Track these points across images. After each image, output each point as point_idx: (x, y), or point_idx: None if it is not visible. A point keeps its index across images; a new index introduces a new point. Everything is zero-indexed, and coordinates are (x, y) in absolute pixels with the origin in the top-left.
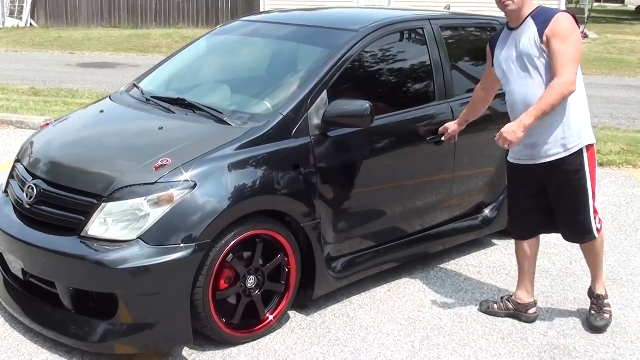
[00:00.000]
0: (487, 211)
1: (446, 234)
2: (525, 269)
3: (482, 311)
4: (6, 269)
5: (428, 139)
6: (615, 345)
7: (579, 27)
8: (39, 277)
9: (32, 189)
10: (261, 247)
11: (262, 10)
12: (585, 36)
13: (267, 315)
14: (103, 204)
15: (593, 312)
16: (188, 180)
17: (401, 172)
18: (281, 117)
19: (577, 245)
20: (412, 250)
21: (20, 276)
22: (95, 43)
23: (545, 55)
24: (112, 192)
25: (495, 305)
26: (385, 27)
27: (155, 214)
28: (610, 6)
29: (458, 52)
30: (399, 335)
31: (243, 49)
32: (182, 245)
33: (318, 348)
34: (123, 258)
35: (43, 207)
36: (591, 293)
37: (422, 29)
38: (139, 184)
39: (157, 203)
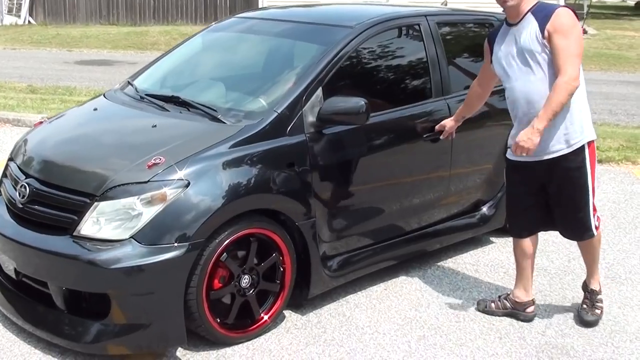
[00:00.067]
0: (484, 209)
1: (443, 232)
2: (523, 267)
3: (479, 310)
4: None
5: (425, 136)
6: (613, 344)
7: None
8: (31, 277)
9: (25, 187)
10: (255, 246)
11: (260, 6)
12: (585, 32)
13: (262, 315)
14: (95, 203)
15: (585, 306)
16: (181, 179)
17: (397, 169)
18: (276, 114)
19: (576, 243)
20: (409, 248)
21: (13, 276)
22: (93, 40)
23: (547, 51)
24: (105, 191)
25: (493, 304)
26: (381, 24)
27: (148, 213)
28: (610, 1)
29: (455, 48)
30: (395, 335)
31: (238, 45)
32: (175, 244)
33: (313, 348)
34: (115, 258)
35: (36, 206)
36: (585, 287)
37: (419, 25)
38: (132, 183)
39: (150, 202)
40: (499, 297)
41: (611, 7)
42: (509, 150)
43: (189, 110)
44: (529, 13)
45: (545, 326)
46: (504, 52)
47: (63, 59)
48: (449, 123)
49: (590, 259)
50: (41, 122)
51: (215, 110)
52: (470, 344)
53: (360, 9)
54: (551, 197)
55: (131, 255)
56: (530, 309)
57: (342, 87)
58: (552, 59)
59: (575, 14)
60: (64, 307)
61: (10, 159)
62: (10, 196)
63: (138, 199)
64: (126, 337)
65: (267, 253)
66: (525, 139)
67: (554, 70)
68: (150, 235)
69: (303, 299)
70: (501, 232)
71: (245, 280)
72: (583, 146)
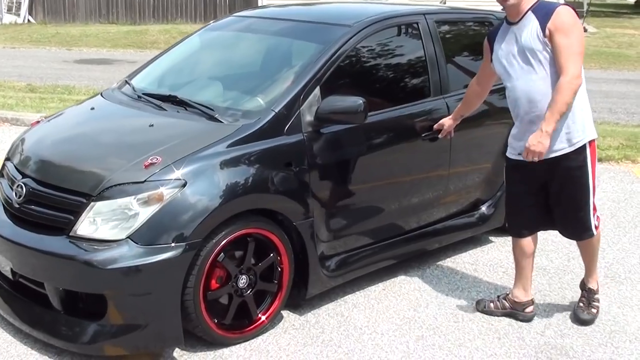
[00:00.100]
0: (483, 208)
1: (442, 232)
2: (523, 266)
3: (478, 310)
4: None
5: (423, 135)
6: (613, 344)
7: None
8: (28, 277)
9: (22, 187)
10: (253, 246)
11: (259, 5)
12: (584, 30)
13: (260, 315)
14: (92, 203)
15: (581, 304)
16: (178, 179)
17: (396, 169)
18: (273, 113)
19: (575, 242)
20: (407, 248)
21: (10, 276)
22: (93, 39)
23: (548, 49)
24: (101, 191)
25: (492, 304)
26: (380, 22)
27: (145, 213)
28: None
29: (454, 47)
30: (394, 335)
31: (235, 44)
32: (172, 244)
33: (311, 348)
34: (112, 258)
35: (32, 206)
36: (583, 286)
37: (417, 23)
38: (129, 183)
39: (146, 202)
40: (498, 297)
41: (611, 5)
42: (509, 149)
43: (186, 109)
44: (530, 11)
45: (544, 326)
46: (504, 51)
47: (62, 57)
48: (447, 122)
49: (589, 259)
50: (38, 122)
51: (212, 110)
52: (469, 344)
53: (359, 7)
54: (551, 196)
55: (128, 256)
56: (529, 309)
57: (340, 86)
58: (554, 57)
59: (575, 12)
60: (60, 308)
61: (7, 159)
62: (7, 196)
63: (135, 198)
64: (123, 338)
65: (265, 253)
66: (536, 143)
67: (556, 69)
68: (147, 236)
69: (301, 299)
70: (500, 231)
71: (243, 281)
72: (584, 145)
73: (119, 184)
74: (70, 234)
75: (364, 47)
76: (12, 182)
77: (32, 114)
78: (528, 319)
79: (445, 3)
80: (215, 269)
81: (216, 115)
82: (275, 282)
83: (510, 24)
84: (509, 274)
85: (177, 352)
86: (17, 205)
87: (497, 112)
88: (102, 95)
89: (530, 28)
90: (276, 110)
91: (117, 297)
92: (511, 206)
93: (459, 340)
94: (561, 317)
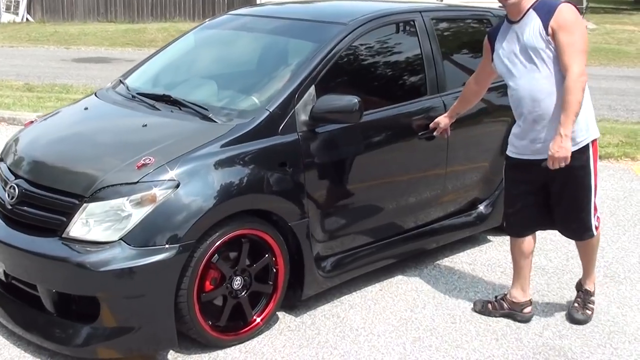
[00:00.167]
0: (481, 207)
1: (440, 231)
2: (521, 266)
3: (475, 311)
4: None
5: (420, 134)
6: (612, 345)
7: None
8: (21, 279)
9: (14, 188)
10: (247, 247)
11: (258, 2)
12: None
13: (254, 317)
14: (84, 204)
15: (576, 304)
16: (171, 179)
17: (392, 168)
18: (267, 113)
19: (574, 242)
20: (405, 247)
21: (3, 278)
22: (91, 38)
23: (552, 47)
24: (94, 192)
25: (490, 305)
26: (375, 20)
27: (138, 215)
28: None
29: (451, 44)
30: (390, 337)
31: (230, 43)
32: (165, 246)
33: (307, 350)
34: (105, 260)
35: (25, 207)
36: (579, 287)
37: (413, 21)
38: (121, 184)
39: (139, 203)
40: (496, 297)
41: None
42: (509, 147)
43: (180, 109)
44: (531, 10)
45: (542, 327)
46: (506, 50)
47: (60, 56)
48: (443, 120)
49: (587, 259)
50: (32, 122)
51: (206, 109)
52: (466, 345)
53: (354, 5)
54: (552, 196)
55: (121, 258)
56: (527, 310)
57: (335, 85)
58: (558, 55)
59: (577, 9)
60: (53, 310)
61: (0, 160)
62: (0, 197)
63: (127, 200)
64: (116, 340)
65: (260, 254)
66: (558, 149)
67: (559, 67)
68: (140, 237)
69: (297, 300)
70: (498, 230)
71: (237, 282)
72: (588, 144)
73: (112, 185)
74: (63, 235)
75: (359, 45)
76: (4, 183)
77: (29, 113)
78: (526, 320)
79: (442, 0)
80: (210, 270)
81: (210, 115)
82: (271, 283)
83: (512, 22)
84: (507, 273)
85: (171, 355)
86: (9, 207)
87: (494, 110)
88: (96, 95)
89: (532, 26)
90: (270, 110)
91: (110, 300)
92: (510, 205)
93: (456, 341)
94: (560, 318)
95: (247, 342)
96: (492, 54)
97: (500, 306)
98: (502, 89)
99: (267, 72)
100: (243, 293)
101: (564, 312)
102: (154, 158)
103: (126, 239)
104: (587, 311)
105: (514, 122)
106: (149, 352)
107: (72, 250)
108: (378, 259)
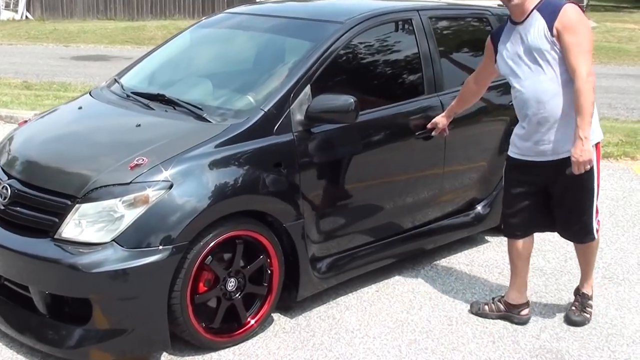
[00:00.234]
0: (479, 207)
1: (437, 231)
2: (519, 268)
3: (472, 313)
4: None
5: (417, 133)
6: (610, 348)
7: None
8: (13, 280)
9: (7, 189)
10: (242, 249)
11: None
12: None
13: (249, 319)
14: (77, 205)
15: (574, 308)
16: (164, 180)
17: (389, 168)
18: (262, 113)
19: (572, 243)
20: (401, 248)
21: None
22: (91, 35)
23: (557, 49)
24: (86, 193)
25: (486, 307)
26: (372, 19)
27: (130, 216)
28: None
29: (448, 43)
30: (386, 339)
31: (226, 42)
32: (158, 247)
33: (301, 353)
34: (97, 261)
35: (17, 208)
36: (577, 291)
37: (411, 20)
38: (114, 184)
39: (132, 204)
40: (493, 299)
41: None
42: (511, 147)
43: (174, 108)
44: (535, 10)
45: (540, 329)
46: (510, 51)
47: (59, 54)
48: (440, 120)
49: (586, 263)
50: (25, 122)
51: (200, 109)
52: (463, 348)
53: (352, 3)
54: (554, 198)
55: (113, 259)
56: (524, 312)
57: (332, 85)
58: (564, 57)
59: (581, 8)
60: (45, 312)
61: None
62: None
63: (120, 200)
64: (109, 342)
65: (254, 255)
66: (581, 153)
67: (564, 69)
68: (132, 238)
69: (292, 302)
70: (496, 231)
71: (231, 284)
72: (592, 147)
73: (105, 186)
74: (55, 236)
75: (356, 44)
76: None
77: (26, 111)
78: (523, 322)
79: None
80: (203, 271)
81: (204, 115)
82: (265, 284)
83: (515, 23)
84: (505, 274)
85: (164, 357)
86: (2, 207)
87: (493, 109)
88: (90, 94)
89: (536, 27)
90: (265, 110)
91: (102, 301)
92: (509, 206)
93: (453, 344)
94: (557, 320)
95: (241, 344)
96: (496, 55)
97: (497, 308)
98: (500, 88)
99: (262, 72)
100: (237, 295)
101: (562, 314)
102: (147, 158)
103: (119, 240)
104: (585, 314)
105: (512, 121)
106: (142, 354)
107: (64, 252)
108: (374, 260)
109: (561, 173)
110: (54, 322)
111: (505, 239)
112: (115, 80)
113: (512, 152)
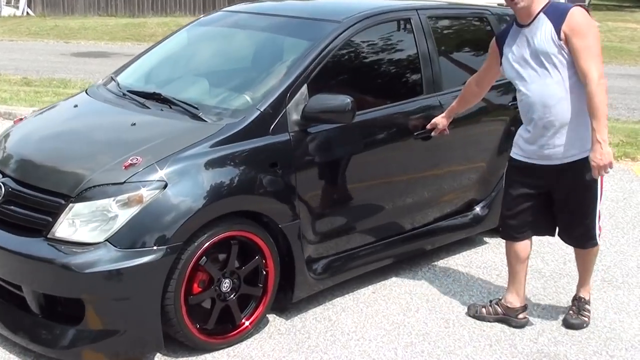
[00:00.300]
0: (478, 208)
1: (435, 233)
2: (517, 271)
3: (470, 315)
4: None
5: (416, 134)
6: (608, 353)
7: None
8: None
9: (1, 187)
10: (237, 249)
11: None
12: None
13: (243, 320)
14: (71, 205)
15: (571, 312)
16: (159, 180)
17: (387, 168)
18: (258, 112)
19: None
20: (399, 249)
21: None
22: (91, 32)
23: (564, 52)
24: (80, 192)
25: (484, 310)
26: (371, 18)
27: (124, 215)
28: None
29: (447, 43)
30: (382, 342)
31: (223, 41)
32: (152, 247)
33: (296, 355)
34: (90, 261)
35: (11, 206)
36: (574, 296)
37: (409, 19)
38: (108, 184)
39: (126, 204)
40: (490, 302)
41: None
42: (514, 149)
43: (170, 107)
44: (541, 13)
45: (537, 333)
46: (516, 54)
47: (60, 50)
48: (440, 121)
49: (585, 268)
50: (21, 119)
51: (196, 108)
52: (459, 351)
53: (350, 2)
54: (557, 202)
55: (106, 259)
56: (522, 315)
57: (329, 84)
58: (574, 60)
59: (586, 10)
60: (38, 312)
61: None
62: None
63: (114, 200)
64: (102, 343)
65: (249, 256)
66: (600, 157)
67: (571, 72)
68: (126, 238)
69: (287, 303)
70: (495, 232)
71: (226, 285)
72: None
73: (99, 185)
74: (49, 235)
75: (354, 43)
76: None
77: (25, 108)
78: (521, 325)
79: None
80: (197, 272)
81: (200, 114)
82: (260, 286)
83: (521, 26)
84: (503, 277)
85: (158, 358)
86: None
87: (492, 109)
88: (86, 92)
89: (543, 31)
90: (261, 109)
91: (95, 302)
92: (508, 208)
93: (449, 347)
94: (555, 324)
95: (236, 346)
96: (501, 57)
97: (495, 311)
98: (500, 88)
99: (258, 71)
100: (232, 296)
101: (560, 318)
102: (141, 158)
103: (112, 240)
104: (583, 317)
105: (512, 121)
106: (136, 355)
107: (57, 251)
108: (371, 261)
109: (565, 177)
110: (47, 322)
111: (503, 240)
112: (112, 78)
113: (515, 153)
